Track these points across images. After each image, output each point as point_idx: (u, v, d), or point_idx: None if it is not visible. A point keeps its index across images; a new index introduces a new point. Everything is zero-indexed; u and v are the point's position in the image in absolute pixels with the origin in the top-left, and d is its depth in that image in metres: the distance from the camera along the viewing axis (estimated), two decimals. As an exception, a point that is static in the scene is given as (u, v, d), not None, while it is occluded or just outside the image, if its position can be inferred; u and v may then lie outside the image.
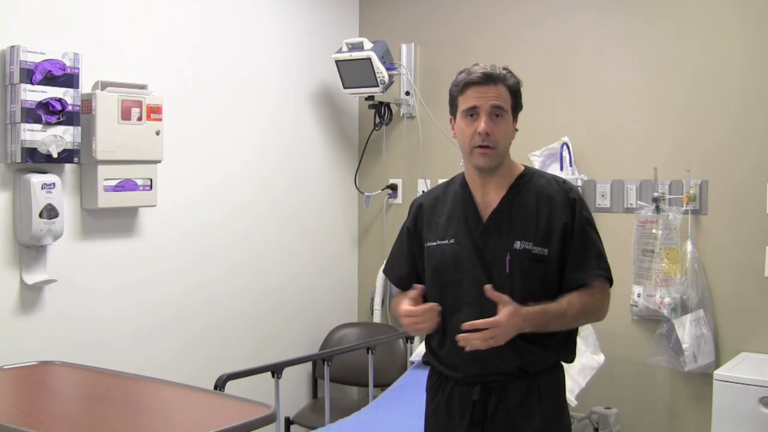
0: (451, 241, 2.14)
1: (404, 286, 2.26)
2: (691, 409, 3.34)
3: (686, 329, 3.19)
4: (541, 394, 2.08)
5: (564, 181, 2.16)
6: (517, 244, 2.07)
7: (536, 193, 2.12)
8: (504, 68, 2.12)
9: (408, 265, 2.26)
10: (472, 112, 2.08)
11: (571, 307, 2.04)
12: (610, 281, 2.13)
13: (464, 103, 2.09)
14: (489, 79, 2.07)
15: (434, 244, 2.18)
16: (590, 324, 3.08)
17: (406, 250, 2.27)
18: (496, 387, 2.08)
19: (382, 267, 4.07)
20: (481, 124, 2.05)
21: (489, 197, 2.14)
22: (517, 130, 2.14)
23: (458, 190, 2.20)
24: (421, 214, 2.26)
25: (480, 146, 2.07)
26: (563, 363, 2.17)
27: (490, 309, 2.00)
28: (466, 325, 1.96)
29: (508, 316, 1.95)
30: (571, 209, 2.09)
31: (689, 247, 3.27)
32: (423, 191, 4.06)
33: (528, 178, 2.15)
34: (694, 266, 3.26)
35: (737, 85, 3.24)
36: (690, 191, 3.29)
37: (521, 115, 2.16)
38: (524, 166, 2.20)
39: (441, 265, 2.15)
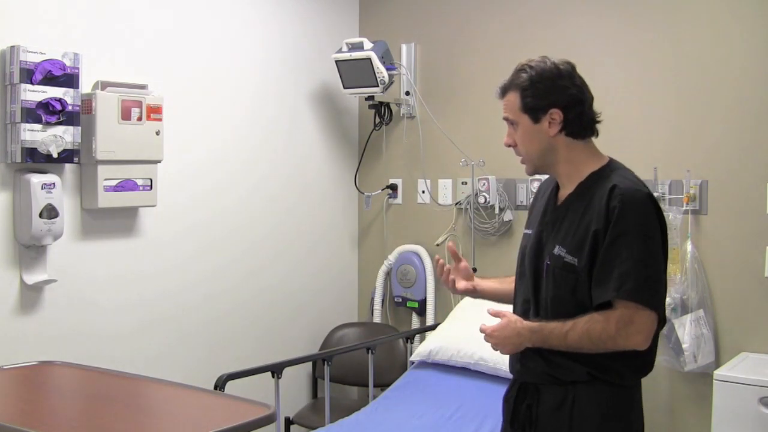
0: (530, 231, 2.14)
1: None
2: (691, 409, 3.34)
3: (686, 329, 3.19)
4: (576, 407, 1.98)
5: (615, 186, 1.93)
6: (556, 249, 1.99)
7: (591, 196, 1.97)
8: (525, 64, 2.04)
9: None
10: None
11: (573, 330, 1.91)
12: (646, 304, 1.89)
13: None
14: (501, 92, 2.07)
15: (524, 231, 2.19)
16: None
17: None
18: (531, 389, 2.07)
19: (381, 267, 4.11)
20: (504, 138, 2.09)
21: (563, 193, 2.07)
22: (554, 120, 2.00)
23: (554, 181, 2.14)
24: (532, 200, 2.26)
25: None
26: (614, 381, 2.00)
27: (531, 309, 2.07)
28: (480, 328, 2.07)
29: (494, 327, 2.03)
30: (606, 217, 1.91)
31: (689, 247, 3.27)
32: (422, 191, 4.07)
33: (596, 178, 2.00)
34: (694, 266, 3.26)
35: (737, 85, 3.23)
36: (690, 191, 3.29)
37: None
38: (609, 159, 2.06)
39: (520, 253, 2.17)
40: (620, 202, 1.91)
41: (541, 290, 2.05)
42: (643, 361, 2.00)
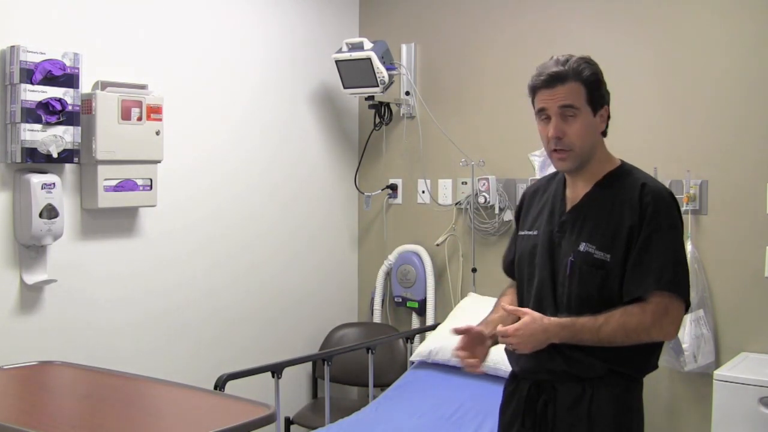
0: (535, 232, 2.13)
1: (509, 273, 2.29)
2: (691, 409, 3.34)
3: (686, 329, 3.19)
4: (594, 404, 1.99)
5: (644, 184, 2.01)
6: (582, 246, 2.00)
7: (617, 193, 2.02)
8: (580, 59, 2.04)
9: (513, 252, 2.26)
10: (543, 115, 2.03)
11: (608, 324, 1.93)
12: (680, 294, 1.97)
13: (536, 104, 2.05)
14: (556, 79, 2.00)
15: (523, 233, 2.18)
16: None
17: (513, 238, 2.28)
18: (547, 386, 2.05)
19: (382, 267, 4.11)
20: (551, 129, 2.01)
21: (576, 192, 2.09)
22: (603, 117, 2.05)
23: (558, 182, 2.15)
24: (523, 203, 2.25)
25: (555, 150, 2.03)
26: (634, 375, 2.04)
27: (547, 310, 2.03)
28: (497, 331, 2.03)
29: (517, 326, 1.98)
30: (640, 213, 1.97)
31: (689, 247, 3.27)
32: (422, 191, 4.07)
33: (616, 176, 2.06)
34: (694, 266, 3.25)
35: (737, 85, 3.23)
36: (690, 191, 3.29)
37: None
38: (621, 161, 2.12)
39: (521, 256, 2.16)
40: (652, 199, 1.98)
41: (557, 289, 2.04)
42: (657, 354, 2.07)
